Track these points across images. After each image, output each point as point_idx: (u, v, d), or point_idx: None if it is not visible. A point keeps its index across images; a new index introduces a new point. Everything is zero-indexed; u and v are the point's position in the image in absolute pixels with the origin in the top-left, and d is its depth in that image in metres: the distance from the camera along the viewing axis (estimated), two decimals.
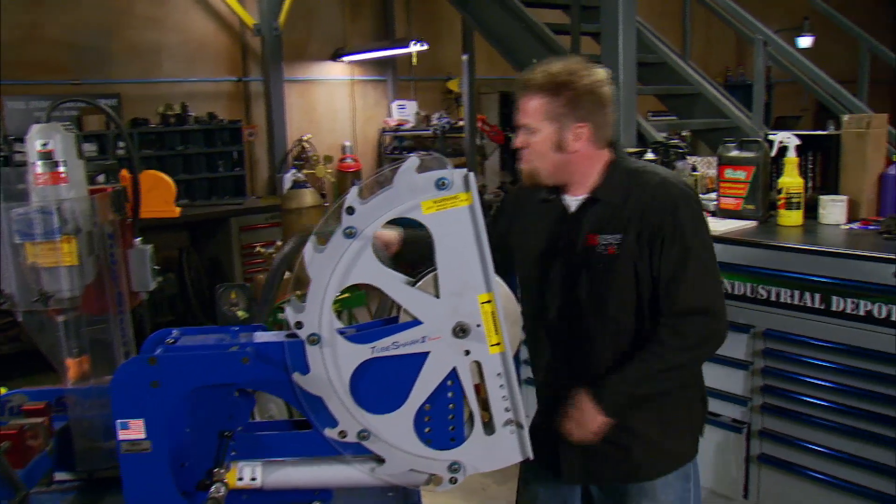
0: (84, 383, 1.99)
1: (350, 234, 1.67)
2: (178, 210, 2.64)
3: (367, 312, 4.81)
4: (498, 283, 1.77)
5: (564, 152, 2.13)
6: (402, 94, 9.38)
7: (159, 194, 2.60)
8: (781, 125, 9.06)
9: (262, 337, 1.82)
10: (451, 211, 1.71)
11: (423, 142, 8.83)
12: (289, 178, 6.72)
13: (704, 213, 2.22)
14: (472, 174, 1.73)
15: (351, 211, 1.68)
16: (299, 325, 1.66)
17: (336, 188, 7.03)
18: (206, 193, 7.63)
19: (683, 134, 5.91)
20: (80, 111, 6.90)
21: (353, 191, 1.72)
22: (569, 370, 2.25)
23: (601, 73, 2.12)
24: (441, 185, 1.70)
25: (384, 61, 9.12)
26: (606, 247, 2.12)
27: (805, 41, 8.96)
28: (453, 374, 1.71)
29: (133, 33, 7.45)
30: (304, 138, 8.32)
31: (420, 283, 1.75)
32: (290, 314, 1.69)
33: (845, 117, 3.76)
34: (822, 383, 3.16)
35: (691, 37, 6.24)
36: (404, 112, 9.08)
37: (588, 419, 2.12)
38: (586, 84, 2.09)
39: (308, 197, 5.51)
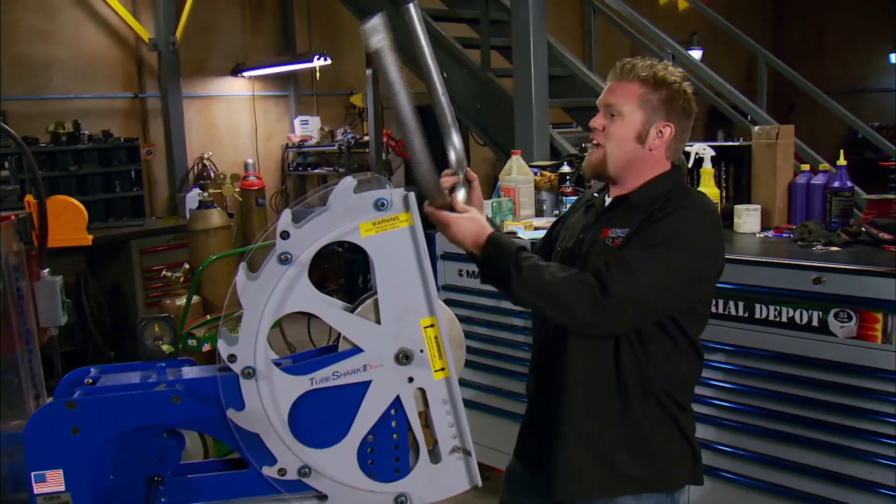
0: None
1: (285, 259, 1.61)
2: (89, 237, 2.47)
3: None
4: (441, 306, 1.73)
5: (643, 146, 2.08)
6: (305, 109, 9.23)
7: (69, 220, 2.42)
8: None
9: (191, 372, 1.75)
10: (392, 232, 1.66)
11: (327, 158, 8.70)
12: (191, 197, 6.51)
13: (719, 237, 2.12)
14: (412, 194, 1.69)
15: (285, 235, 1.62)
16: (232, 358, 1.60)
17: (242, 207, 6.83)
18: (102, 215, 7.27)
19: (586, 145, 5.95)
20: None
21: (286, 214, 1.66)
22: (552, 370, 2.19)
23: (691, 87, 2.10)
24: (380, 205, 1.65)
25: (286, 76, 8.95)
26: (613, 239, 2.07)
27: (696, 54, 9.22)
28: (397, 403, 1.67)
29: (20, 47, 7.08)
30: (205, 156, 8.09)
31: (360, 308, 1.70)
32: (221, 347, 1.62)
33: (755, 129, 3.83)
34: (747, 389, 3.17)
35: (596, 52, 6.31)
36: (307, 128, 8.92)
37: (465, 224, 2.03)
38: (684, 90, 2.06)
39: (215, 217, 5.34)
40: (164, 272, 5.24)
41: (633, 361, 2.07)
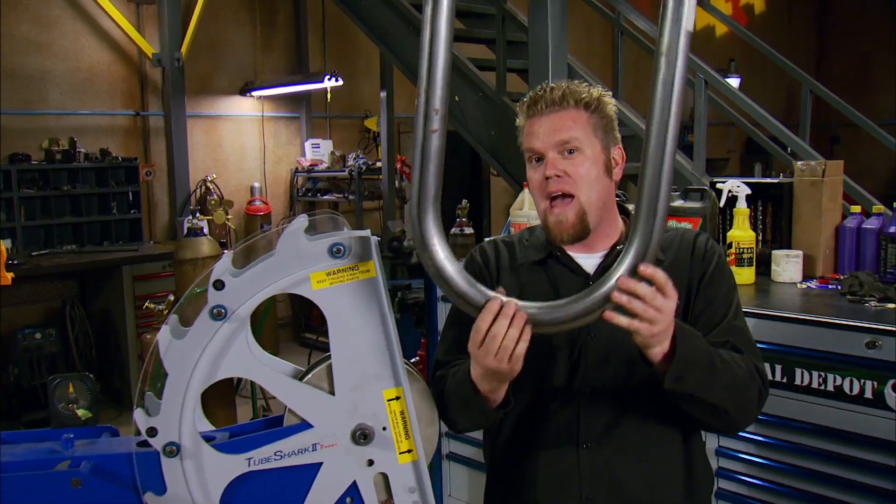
0: None
1: (219, 314, 1.40)
2: (8, 276, 2.16)
3: None
4: (410, 373, 1.49)
5: (611, 179, 1.76)
6: (317, 132, 8.95)
7: None
8: (710, 168, 8.95)
9: (105, 447, 1.49)
10: (349, 285, 1.43)
11: (338, 183, 8.41)
12: (188, 223, 6.19)
13: None
14: (374, 238, 1.43)
15: (219, 285, 1.40)
16: (153, 431, 1.40)
17: (240, 236, 6.51)
18: (97, 238, 7.00)
19: None
20: None
21: (226, 258, 1.43)
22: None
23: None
24: (336, 252, 1.42)
25: (297, 97, 8.67)
26: None
27: (733, 82, 8.90)
28: (353, 490, 1.47)
29: (14, 59, 6.78)
30: (209, 179, 7.80)
31: (310, 376, 1.47)
32: (139, 417, 1.40)
33: (798, 164, 3.45)
34: (785, 467, 2.82)
35: (623, 77, 5.97)
36: (318, 152, 8.64)
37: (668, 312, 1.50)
38: (614, 106, 1.80)
39: (205, 246, 4.98)
40: (146, 304, 4.89)
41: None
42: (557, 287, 1.82)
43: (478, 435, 3.62)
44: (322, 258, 1.42)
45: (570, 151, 1.71)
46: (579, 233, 1.75)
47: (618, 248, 1.78)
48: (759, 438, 2.86)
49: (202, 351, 1.40)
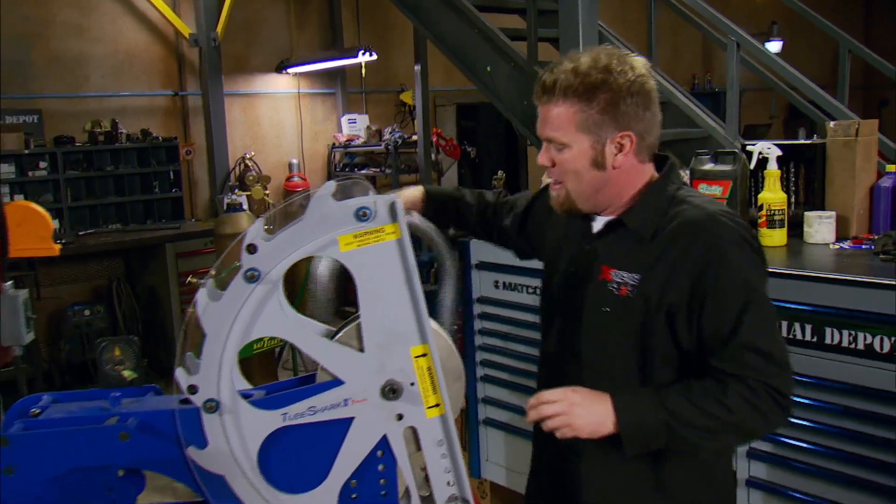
0: None
1: (252, 277, 1.42)
2: (56, 247, 2.24)
3: None
4: (436, 331, 1.52)
5: (605, 170, 1.75)
6: (353, 107, 8.99)
7: (31, 229, 2.21)
8: (751, 134, 8.84)
9: (149, 404, 1.54)
10: (375, 247, 1.46)
11: (374, 158, 8.47)
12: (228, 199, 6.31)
13: (763, 257, 1.82)
14: (399, 201, 1.46)
15: (252, 249, 1.42)
16: (193, 389, 1.43)
17: None
18: (140, 217, 7.15)
19: None
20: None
21: (258, 224, 1.45)
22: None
23: (640, 64, 1.73)
24: (362, 215, 1.45)
25: (332, 73, 8.71)
26: (619, 286, 1.76)
27: (774, 46, 8.72)
28: (383, 443, 1.50)
29: (56, 44, 6.95)
30: (248, 156, 7.89)
31: (340, 334, 1.50)
32: (181, 376, 1.44)
33: (830, 124, 3.41)
34: (816, 426, 2.81)
35: (657, 45, 5.91)
36: (355, 126, 8.69)
37: (578, 400, 1.72)
38: (626, 82, 1.70)
39: (244, 221, 5.10)
40: (189, 279, 5.02)
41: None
42: (568, 234, 1.97)
43: (513, 400, 3.71)
44: (349, 221, 1.45)
45: (558, 145, 1.78)
46: (572, 210, 1.85)
47: (623, 215, 1.82)
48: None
49: (237, 312, 1.44)
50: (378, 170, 8.27)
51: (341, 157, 8.78)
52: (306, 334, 1.52)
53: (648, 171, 1.82)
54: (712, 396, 1.68)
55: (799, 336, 2.81)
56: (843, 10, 11.81)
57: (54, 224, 2.31)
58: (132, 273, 6.90)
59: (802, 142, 3.65)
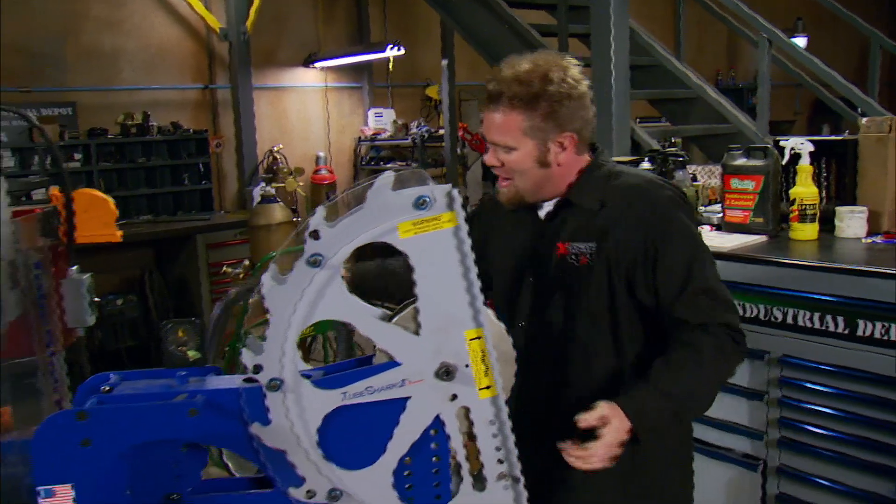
0: (5, 437, 1.74)
1: (315, 262, 1.47)
2: (119, 234, 2.32)
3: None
4: (488, 316, 1.55)
5: (549, 167, 1.91)
6: (379, 101, 9.06)
7: (96, 215, 2.28)
8: (775, 130, 8.82)
9: (214, 382, 1.60)
10: (433, 234, 1.51)
11: (401, 152, 8.53)
12: (258, 191, 6.38)
13: (694, 213, 2.04)
14: (456, 191, 1.51)
15: (316, 235, 1.47)
16: (257, 368, 1.48)
17: (309, 202, 6.69)
18: (170, 209, 7.24)
19: (673, 141, 5.64)
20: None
21: (319, 212, 1.50)
22: (534, 404, 2.03)
23: (575, 68, 1.89)
24: (420, 204, 1.49)
25: (359, 67, 8.79)
26: (578, 256, 1.92)
27: (800, 42, 8.71)
28: (437, 423, 1.54)
29: (89, 38, 7.05)
30: (276, 149, 7.97)
31: (398, 318, 1.55)
32: (246, 356, 1.49)
33: (863, 120, 3.44)
34: (847, 416, 2.86)
35: (685, 37, 5.94)
36: (381, 120, 8.75)
37: (615, 441, 1.81)
38: (564, 88, 1.86)
39: (277, 212, 5.17)
40: (223, 268, 5.09)
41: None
42: (515, 229, 2.13)
43: None
44: (407, 209, 1.49)
45: (504, 148, 1.92)
46: (520, 204, 2.02)
47: (567, 194, 2.00)
48: (822, 388, 2.90)
49: (301, 295, 1.49)
50: (404, 163, 8.33)
51: (367, 150, 8.84)
52: (366, 317, 1.56)
53: (585, 158, 2.00)
54: (691, 362, 1.86)
55: (831, 328, 2.86)
56: (868, 6, 11.74)
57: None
58: (161, 263, 6.99)
59: (835, 137, 3.67)
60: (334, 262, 1.49)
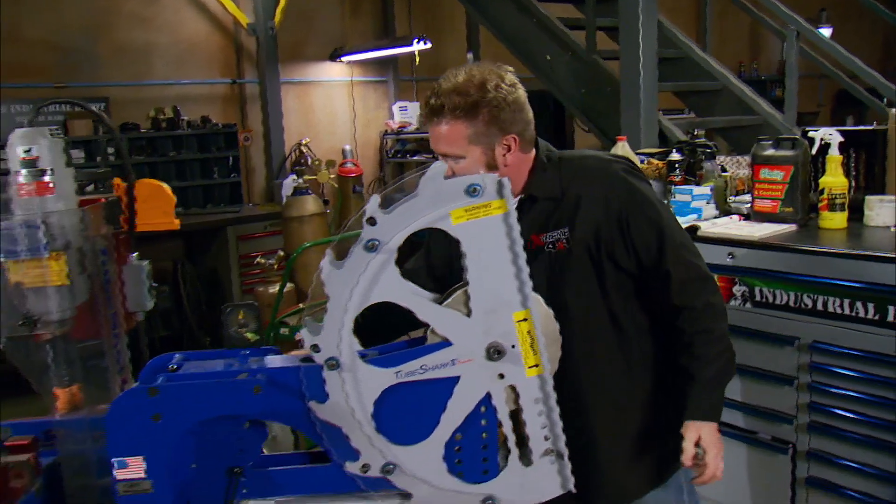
0: (75, 414, 1.81)
1: (372, 247, 1.55)
2: (177, 222, 2.40)
3: None
4: (535, 299, 1.63)
5: (499, 169, 1.99)
6: (404, 95, 9.11)
7: (157, 204, 2.36)
8: (800, 122, 8.81)
9: (274, 362, 1.70)
10: (484, 220, 1.58)
11: (426, 145, 8.53)
12: (288, 184, 6.47)
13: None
14: (506, 179, 1.59)
15: (373, 222, 1.55)
16: (316, 348, 1.56)
17: (338, 194, 6.75)
18: (200, 201, 7.33)
19: (697, 132, 5.66)
20: (67, 115, 6.62)
21: (374, 200, 1.59)
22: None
23: (509, 74, 2.01)
24: (472, 191, 1.56)
25: (385, 61, 8.84)
26: (554, 243, 2.01)
27: (824, 33, 8.68)
28: (486, 400, 1.61)
29: (121, 34, 7.16)
30: (303, 142, 8.06)
31: (449, 300, 1.62)
32: (306, 336, 1.57)
33: (893, 111, 3.48)
34: (877, 400, 2.90)
35: (711, 30, 5.96)
36: (406, 114, 8.81)
37: (714, 442, 2.04)
38: (501, 94, 1.95)
39: (310, 204, 5.27)
40: (258, 259, 5.19)
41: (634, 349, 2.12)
42: None
43: None
44: (459, 197, 1.56)
45: (453, 158, 1.99)
46: None
47: (528, 190, 2.08)
48: (853, 373, 2.94)
49: (358, 278, 1.56)
50: (430, 156, 8.37)
51: (393, 143, 8.91)
52: (419, 299, 1.63)
53: (533, 155, 2.09)
54: (707, 344, 2.03)
55: (861, 314, 2.90)
56: None
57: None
58: (192, 255, 7.08)
59: (864, 128, 3.71)
60: (391, 247, 1.56)
